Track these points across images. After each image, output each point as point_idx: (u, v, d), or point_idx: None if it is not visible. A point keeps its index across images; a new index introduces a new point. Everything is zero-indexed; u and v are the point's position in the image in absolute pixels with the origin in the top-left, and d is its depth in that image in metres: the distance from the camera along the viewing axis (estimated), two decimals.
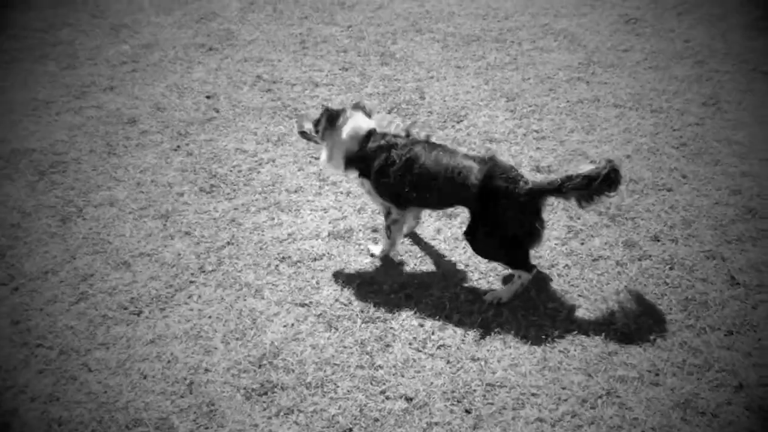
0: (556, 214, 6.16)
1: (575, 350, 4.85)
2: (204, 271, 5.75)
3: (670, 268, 5.49)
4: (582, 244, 5.83)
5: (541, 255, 5.71)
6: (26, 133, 7.79)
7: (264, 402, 4.57)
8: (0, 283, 5.68)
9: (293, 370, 4.81)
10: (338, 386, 4.66)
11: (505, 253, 5.21)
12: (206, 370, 4.83)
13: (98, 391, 4.69)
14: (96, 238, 6.22)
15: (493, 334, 5.01)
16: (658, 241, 5.79)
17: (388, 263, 5.77)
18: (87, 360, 4.94)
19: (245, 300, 5.43)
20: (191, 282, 5.65)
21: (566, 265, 5.62)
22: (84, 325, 5.24)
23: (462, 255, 5.77)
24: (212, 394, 4.66)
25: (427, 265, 5.75)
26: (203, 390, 4.68)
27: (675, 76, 8.40)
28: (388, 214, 5.55)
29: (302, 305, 5.36)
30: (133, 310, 5.38)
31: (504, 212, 4.96)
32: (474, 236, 5.21)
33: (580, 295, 5.30)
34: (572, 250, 5.76)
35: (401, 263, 5.75)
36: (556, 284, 5.43)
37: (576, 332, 4.99)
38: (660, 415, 4.32)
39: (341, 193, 6.74)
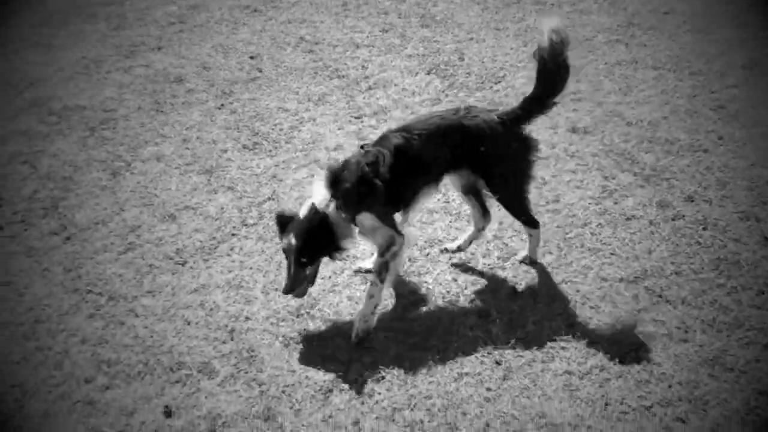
0: (590, 173, 6.20)
1: (605, 307, 4.93)
2: (246, 225, 5.94)
3: (704, 229, 5.52)
4: (615, 203, 5.87)
5: (575, 214, 5.78)
6: (77, 91, 8.04)
7: (301, 349, 4.76)
8: (53, 233, 5.95)
9: (330, 321, 4.99)
10: (373, 336, 4.82)
11: (518, 193, 5.10)
12: (247, 318, 5.03)
13: (145, 336, 4.93)
14: (143, 192, 6.45)
15: (523, 293, 5.12)
16: (692, 201, 5.80)
17: (425, 213, 5.89)
18: (134, 306, 5.18)
19: None
20: (233, 235, 5.85)
21: (599, 224, 5.68)
22: (131, 274, 5.48)
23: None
24: (252, 341, 4.86)
25: (461, 223, 5.85)
26: (243, 337, 4.89)
27: (715, 39, 8.27)
28: (387, 249, 4.80)
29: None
30: (178, 260, 5.61)
31: (510, 146, 4.91)
32: (499, 186, 5.04)
33: (612, 254, 5.37)
34: (606, 210, 5.81)
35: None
36: (589, 242, 5.50)
37: (608, 289, 5.07)
38: (688, 371, 4.40)
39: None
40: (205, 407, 4.35)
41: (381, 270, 4.78)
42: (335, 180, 4.64)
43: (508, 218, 5.82)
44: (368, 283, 4.84)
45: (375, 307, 4.82)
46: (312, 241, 4.59)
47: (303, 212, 4.64)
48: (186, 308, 5.15)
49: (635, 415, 4.15)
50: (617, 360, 4.52)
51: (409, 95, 7.52)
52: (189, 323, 5.03)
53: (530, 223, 5.24)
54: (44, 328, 4.99)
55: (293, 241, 4.55)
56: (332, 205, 4.62)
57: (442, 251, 5.54)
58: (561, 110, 7.03)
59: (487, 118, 4.85)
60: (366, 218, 4.70)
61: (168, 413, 4.33)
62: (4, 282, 5.41)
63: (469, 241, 5.51)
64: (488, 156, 4.87)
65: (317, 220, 4.57)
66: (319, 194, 4.66)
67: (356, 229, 4.78)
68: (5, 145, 7.12)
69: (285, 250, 4.64)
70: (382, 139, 4.82)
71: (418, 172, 4.84)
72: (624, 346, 4.62)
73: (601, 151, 6.48)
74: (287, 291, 4.63)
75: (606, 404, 4.23)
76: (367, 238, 4.88)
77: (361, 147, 4.80)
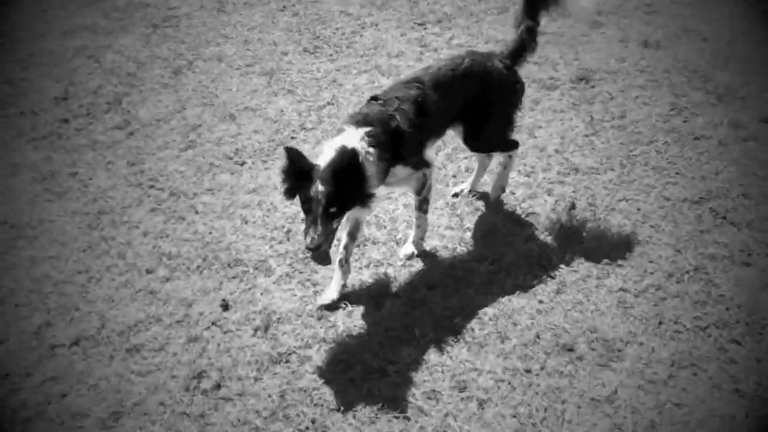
0: (660, 90, 5.99)
1: (666, 226, 4.84)
2: (304, 128, 5.94)
3: None
4: (685, 122, 5.68)
5: (641, 131, 5.62)
6: None
7: (356, 254, 4.80)
8: (117, 127, 6.05)
9: (385, 227, 5.01)
10: (427, 243, 4.83)
11: (509, 132, 4.96)
12: (303, 220, 5.07)
13: (204, 232, 5.03)
14: (205, 91, 6.48)
15: (582, 208, 5.04)
16: (767, 123, 5.57)
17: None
18: (194, 203, 5.28)
19: None
20: (292, 138, 5.86)
21: (666, 142, 5.52)
22: (192, 171, 5.56)
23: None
24: None
25: (522, 135, 5.76)
26: (299, 238, 4.94)
27: None
28: (422, 187, 4.62)
29: None
30: (237, 160, 5.66)
31: (510, 86, 4.78)
32: (481, 131, 4.79)
33: (677, 173, 5.23)
34: (674, 128, 5.63)
35: None
36: (654, 161, 5.36)
37: (670, 209, 4.97)
38: (747, 294, 4.32)
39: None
40: (260, 303, 4.45)
41: (422, 204, 4.66)
42: (365, 124, 4.20)
43: (569, 133, 5.72)
44: (415, 216, 4.70)
45: (424, 233, 4.77)
46: (344, 186, 3.93)
47: (324, 160, 3.98)
48: (244, 207, 5.22)
49: (689, 334, 4.11)
50: (675, 280, 4.46)
51: (474, 2, 7.31)
52: (247, 222, 5.10)
53: (513, 144, 5.05)
54: (108, 219, 5.13)
55: (321, 187, 3.85)
56: (364, 145, 4.09)
57: (453, 196, 5.26)
58: (633, 23, 6.77)
59: (494, 64, 4.69)
60: (399, 170, 4.40)
61: (225, 306, 4.45)
62: (71, 173, 5.54)
63: (476, 182, 5.28)
64: (494, 102, 4.72)
65: (349, 161, 3.93)
66: (344, 140, 4.08)
67: (388, 175, 4.42)
68: (71, 39, 7.19)
69: (308, 200, 3.91)
70: (396, 90, 4.45)
71: (434, 123, 4.57)
72: (683, 266, 4.54)
73: (673, 67, 6.25)
74: (317, 246, 3.87)
75: (660, 323, 4.20)
76: (399, 185, 4.64)
77: (374, 98, 4.40)
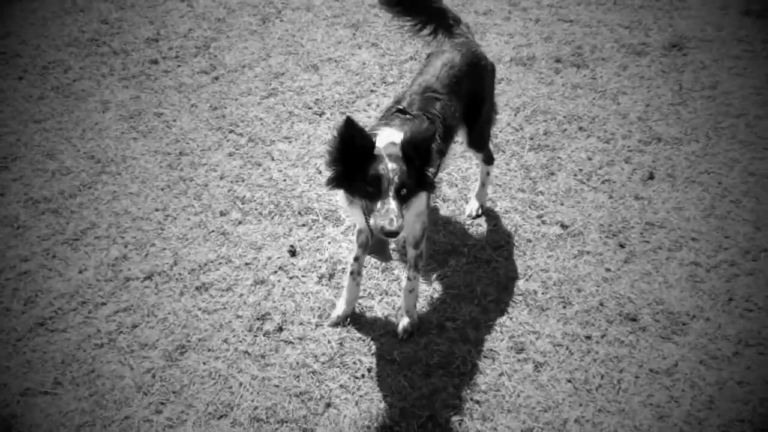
0: (757, 61, 5.72)
1: (748, 202, 4.66)
2: (385, 82, 5.95)
3: None
4: None
5: (731, 103, 5.41)
6: None
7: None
8: (203, 72, 6.19)
9: (456, 185, 5.01)
10: (497, 205, 4.81)
11: (494, 116, 4.68)
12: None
13: (278, 179, 5.13)
14: (290, 40, 6.55)
15: (662, 176, 4.91)
16: None
17: (569, 88, 5.69)
18: (271, 150, 5.38)
19: None
20: (372, 91, 5.88)
21: (757, 115, 5.29)
22: (272, 118, 5.65)
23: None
24: None
25: (605, 100, 5.62)
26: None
27: None
28: (422, 237, 3.96)
29: None
30: (316, 110, 5.72)
31: (491, 64, 4.49)
32: (478, 121, 4.42)
33: (765, 148, 5.02)
34: (767, 101, 5.39)
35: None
36: (742, 134, 5.16)
37: (753, 184, 4.78)
38: None
39: (530, 20, 6.61)
40: (327, 252, 4.54)
41: (417, 262, 3.99)
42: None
43: (655, 101, 5.56)
44: (405, 280, 4.07)
45: (416, 299, 4.10)
46: (416, 165, 3.46)
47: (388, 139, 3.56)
48: (319, 157, 5.29)
49: (759, 313, 3.98)
50: (751, 257, 4.31)
51: None
52: (321, 172, 5.17)
53: (491, 158, 4.76)
54: (188, 160, 5.29)
55: (393, 164, 3.35)
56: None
57: (473, 218, 4.77)
58: None
59: (477, 47, 4.44)
60: (422, 198, 3.76)
61: (293, 252, 4.56)
62: (156, 113, 5.73)
63: (484, 194, 4.83)
64: (487, 85, 4.43)
65: (426, 137, 3.44)
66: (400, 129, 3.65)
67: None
68: None
69: (374, 180, 3.35)
70: (417, 103, 3.96)
71: (451, 132, 4.17)
72: (761, 244, 4.38)
73: None
74: (399, 228, 3.26)
75: (730, 299, 4.08)
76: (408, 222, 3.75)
77: (400, 111, 3.90)
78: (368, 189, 3.37)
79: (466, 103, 4.21)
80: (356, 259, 4.09)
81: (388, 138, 3.56)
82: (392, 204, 3.30)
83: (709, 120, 5.34)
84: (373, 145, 3.40)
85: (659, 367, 3.75)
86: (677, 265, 4.33)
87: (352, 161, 3.40)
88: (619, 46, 6.21)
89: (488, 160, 4.70)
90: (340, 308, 4.14)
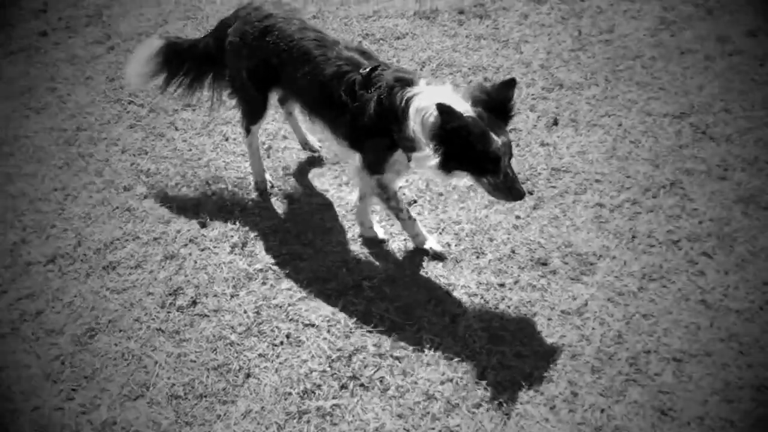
0: (649, 3, 5.86)
1: (646, 141, 4.80)
2: None
3: (761, 65, 5.23)
4: (672, 36, 5.57)
5: (627, 45, 5.53)
6: None
7: (335, 171, 4.80)
8: (97, 42, 5.97)
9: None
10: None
11: None
12: (284, 137, 5.04)
13: (183, 149, 5.01)
14: (188, 4, 6.37)
15: (566, 122, 5.00)
16: (755, 36, 5.46)
17: (472, 40, 5.71)
18: (174, 119, 5.24)
19: None
20: None
21: (652, 57, 5.42)
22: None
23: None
24: (287, 160, 4.90)
25: (508, 50, 5.66)
26: (280, 156, 4.93)
27: None
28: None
29: None
30: None
31: None
32: None
33: (660, 88, 5.16)
34: (661, 42, 5.53)
35: None
36: (638, 76, 5.29)
37: (651, 124, 4.92)
38: (721, 208, 4.32)
39: None
40: (238, 220, 4.47)
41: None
42: None
43: (556, 48, 5.64)
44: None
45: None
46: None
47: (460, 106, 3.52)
48: (225, 124, 5.18)
49: (661, 248, 4.13)
50: (651, 195, 4.46)
51: None
52: (227, 139, 5.08)
53: None
54: (86, 136, 5.10)
55: (506, 138, 3.54)
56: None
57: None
58: None
59: None
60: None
61: (203, 224, 4.47)
62: (49, 87, 5.48)
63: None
64: None
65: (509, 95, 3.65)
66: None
67: None
68: None
69: (502, 153, 3.49)
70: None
71: None
72: (660, 181, 4.53)
73: None
74: (524, 193, 3.62)
75: (633, 237, 4.21)
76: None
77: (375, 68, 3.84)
78: (486, 167, 3.52)
79: None
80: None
81: (440, 98, 3.49)
82: (512, 175, 3.57)
83: (607, 64, 5.45)
84: (465, 123, 3.43)
85: (570, 307, 3.86)
86: (583, 208, 4.44)
87: (456, 144, 3.47)
88: None
89: None
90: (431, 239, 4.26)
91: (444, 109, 3.39)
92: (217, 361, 3.71)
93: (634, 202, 4.43)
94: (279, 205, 4.59)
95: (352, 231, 4.39)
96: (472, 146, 3.47)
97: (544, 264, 4.12)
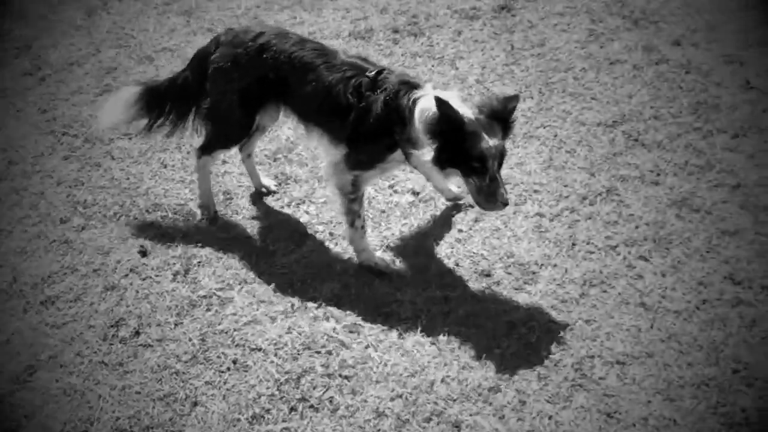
0: (578, 16, 6.02)
1: (581, 150, 4.91)
2: None
3: (687, 73, 5.42)
4: (601, 47, 5.73)
5: (559, 58, 5.66)
6: None
7: (278, 193, 4.78)
8: (27, 73, 5.86)
9: (306, 164, 4.98)
10: None
11: None
12: (224, 161, 5.02)
13: (121, 178, 4.94)
14: (120, 33, 6.30)
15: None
16: (679, 45, 5.66)
17: (408, 57, 5.77)
18: (110, 148, 5.16)
19: None
20: None
21: (583, 68, 5.57)
22: None
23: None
24: (228, 185, 4.88)
25: (444, 66, 5.74)
26: (220, 180, 4.90)
27: None
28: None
29: None
30: None
31: None
32: None
33: (592, 98, 5.29)
34: (590, 54, 5.68)
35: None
36: (571, 87, 5.41)
37: (585, 133, 5.04)
38: (656, 212, 4.44)
39: None
40: (180, 247, 4.41)
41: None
42: None
43: (490, 63, 5.74)
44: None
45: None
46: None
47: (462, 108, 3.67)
48: (162, 151, 5.13)
49: (600, 254, 4.22)
50: (588, 202, 4.55)
51: None
52: (165, 166, 5.03)
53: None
54: (19, 169, 4.99)
55: (499, 141, 3.66)
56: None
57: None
58: None
59: None
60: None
61: (143, 253, 4.40)
62: None
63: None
64: None
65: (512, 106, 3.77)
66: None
67: None
68: None
69: (491, 155, 3.61)
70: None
71: None
72: (596, 188, 4.63)
73: None
74: (507, 202, 3.72)
75: (573, 244, 4.29)
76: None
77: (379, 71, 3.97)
78: (474, 165, 3.63)
79: None
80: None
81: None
82: (499, 179, 3.67)
83: (540, 76, 5.56)
84: (461, 123, 3.57)
85: (515, 317, 3.90)
86: (523, 218, 4.51)
87: (449, 140, 3.61)
88: (452, 12, 6.34)
89: None
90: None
91: (441, 103, 3.54)
92: (163, 391, 3.64)
93: (572, 210, 4.52)
94: (221, 230, 4.55)
95: (297, 252, 4.38)
96: (463, 142, 3.59)
97: (488, 275, 4.17)
